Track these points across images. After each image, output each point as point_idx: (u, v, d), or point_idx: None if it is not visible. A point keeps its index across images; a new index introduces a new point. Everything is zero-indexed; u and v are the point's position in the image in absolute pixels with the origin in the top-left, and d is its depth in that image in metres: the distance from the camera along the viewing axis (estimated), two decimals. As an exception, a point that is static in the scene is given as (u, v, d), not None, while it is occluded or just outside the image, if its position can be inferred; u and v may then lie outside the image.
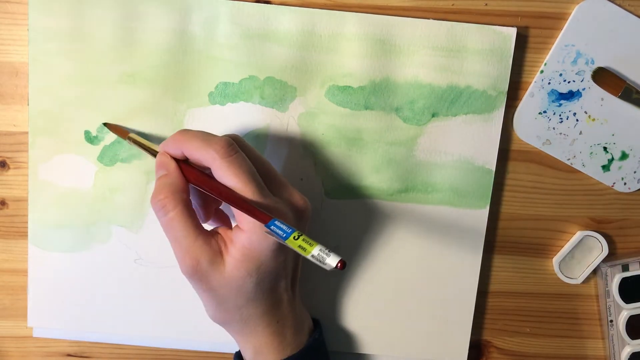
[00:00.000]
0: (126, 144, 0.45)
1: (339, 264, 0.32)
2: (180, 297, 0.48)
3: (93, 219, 0.47)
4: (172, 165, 0.39)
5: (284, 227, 0.34)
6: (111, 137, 0.45)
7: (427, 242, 0.47)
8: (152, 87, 0.45)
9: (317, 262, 0.33)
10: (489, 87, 0.45)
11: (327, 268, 0.33)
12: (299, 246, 0.34)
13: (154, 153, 0.41)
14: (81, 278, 0.47)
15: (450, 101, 0.45)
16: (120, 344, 0.49)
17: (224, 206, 0.45)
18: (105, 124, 0.45)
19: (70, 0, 0.43)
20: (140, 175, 0.46)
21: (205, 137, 0.38)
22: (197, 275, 0.38)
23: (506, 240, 0.49)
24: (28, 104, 0.45)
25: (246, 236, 0.37)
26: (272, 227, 0.35)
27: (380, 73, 0.44)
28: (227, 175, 0.37)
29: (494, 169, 0.46)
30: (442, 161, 0.46)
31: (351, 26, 0.44)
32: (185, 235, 0.37)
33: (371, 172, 0.46)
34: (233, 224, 0.43)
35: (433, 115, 0.45)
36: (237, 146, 0.38)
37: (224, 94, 0.45)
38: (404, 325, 0.49)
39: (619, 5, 0.44)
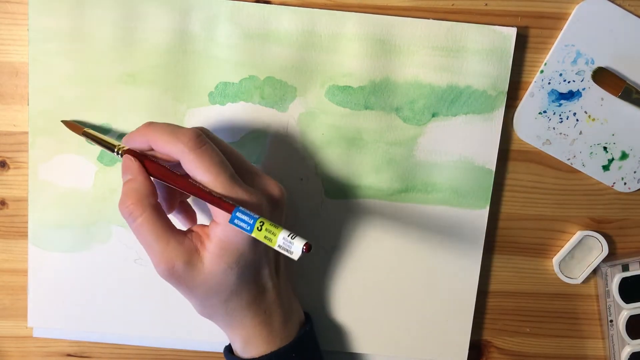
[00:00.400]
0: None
1: (305, 248, 0.32)
2: (180, 297, 0.47)
3: (93, 219, 0.47)
4: (136, 168, 0.38)
5: (246, 218, 0.34)
6: (111, 136, 0.45)
7: (427, 242, 0.47)
8: (152, 87, 0.45)
9: (285, 253, 0.32)
10: (489, 87, 0.45)
11: (295, 257, 0.32)
12: (265, 237, 0.33)
13: (112, 148, 0.40)
14: (81, 278, 0.47)
15: (450, 101, 0.45)
16: (120, 344, 0.49)
17: (191, 199, 0.45)
18: (63, 122, 0.44)
19: (70, 0, 0.43)
20: (140, 175, 0.46)
21: (173, 130, 0.37)
22: (174, 278, 0.37)
23: (506, 240, 0.49)
24: (28, 104, 0.45)
25: (221, 229, 0.37)
26: (235, 220, 0.34)
27: (380, 73, 0.44)
28: (197, 168, 0.36)
29: (494, 169, 0.46)
30: (442, 161, 0.46)
31: (351, 26, 0.44)
32: (156, 239, 0.37)
33: (371, 172, 0.46)
34: (198, 215, 0.44)
35: (433, 115, 0.45)
36: (206, 137, 0.38)
37: (224, 93, 0.45)
38: (403, 325, 0.49)
39: (619, 5, 0.44)
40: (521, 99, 0.46)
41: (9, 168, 0.47)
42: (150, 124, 0.38)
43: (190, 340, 0.49)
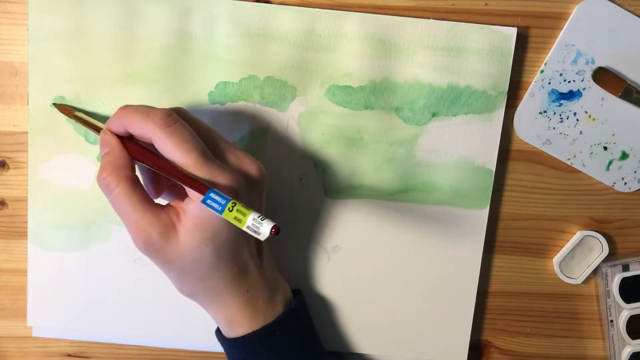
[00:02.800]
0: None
1: (273, 230, 0.32)
2: (180, 296, 0.47)
3: (92, 219, 0.46)
4: (113, 141, 0.38)
5: (219, 199, 0.34)
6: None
7: (427, 242, 0.47)
8: (152, 86, 0.45)
9: (253, 234, 0.33)
10: (489, 87, 0.45)
11: (262, 238, 0.32)
12: (235, 218, 0.33)
13: (99, 131, 0.41)
14: (81, 277, 0.47)
15: (450, 101, 0.45)
16: (120, 343, 0.49)
17: None
18: (54, 104, 0.44)
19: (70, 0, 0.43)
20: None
21: (145, 110, 0.38)
22: (151, 250, 0.37)
23: (506, 240, 0.49)
24: (28, 104, 0.45)
25: (195, 205, 0.37)
26: (208, 200, 0.34)
27: (380, 73, 0.44)
28: (167, 145, 0.36)
29: (494, 169, 0.46)
30: (442, 161, 0.46)
31: (351, 26, 0.44)
32: (132, 210, 0.37)
33: (371, 172, 0.46)
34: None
35: (433, 115, 0.45)
36: (178, 116, 0.38)
37: (224, 93, 0.45)
38: (403, 325, 0.49)
39: (619, 5, 0.44)
40: (521, 99, 0.46)
41: (9, 168, 0.47)
42: (125, 107, 0.38)
43: (190, 340, 0.49)
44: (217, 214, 0.35)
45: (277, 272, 0.44)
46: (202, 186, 0.35)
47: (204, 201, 0.34)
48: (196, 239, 0.37)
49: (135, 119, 0.37)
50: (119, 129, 0.39)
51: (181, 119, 0.38)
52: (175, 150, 0.36)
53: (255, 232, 0.33)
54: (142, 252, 0.38)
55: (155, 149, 0.38)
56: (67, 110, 0.44)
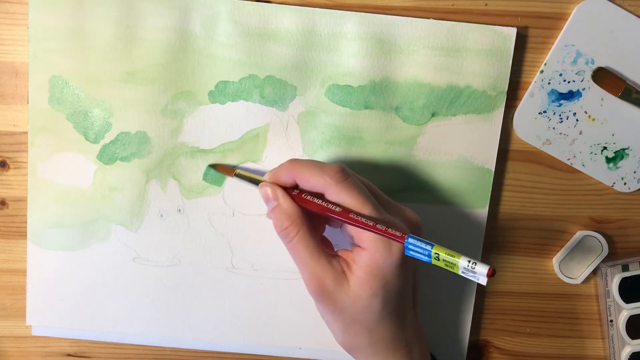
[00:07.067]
0: (129, 141, 0.45)
1: (489, 272, 0.32)
2: (179, 296, 0.48)
3: (92, 218, 0.47)
4: (280, 193, 0.40)
5: (422, 245, 0.34)
6: (111, 135, 0.45)
7: (427, 242, 0.47)
8: (152, 85, 0.45)
9: (471, 277, 0.33)
10: (488, 87, 0.45)
11: (483, 282, 0.32)
12: (446, 264, 0.34)
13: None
14: (80, 276, 0.47)
15: (449, 101, 0.45)
16: (120, 342, 0.49)
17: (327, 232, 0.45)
18: (211, 166, 0.46)
19: (71, -1, 0.44)
20: (140, 174, 0.46)
21: (318, 164, 0.39)
22: (324, 296, 0.38)
23: (506, 240, 0.49)
24: (28, 102, 0.45)
25: (368, 254, 0.37)
26: (410, 250, 0.35)
27: (380, 72, 0.45)
28: (344, 197, 0.38)
29: (493, 168, 0.46)
30: (442, 161, 0.46)
31: (351, 26, 0.44)
32: (309, 257, 0.38)
33: (371, 171, 0.46)
34: (335, 246, 0.44)
35: (433, 115, 0.45)
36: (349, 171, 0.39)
37: (224, 92, 0.45)
38: (403, 325, 0.49)
39: (619, 5, 0.44)
40: (521, 99, 0.46)
41: (9, 168, 0.47)
42: (294, 160, 0.40)
43: (190, 340, 0.49)
44: (390, 262, 0.36)
45: (422, 327, 0.44)
46: (397, 235, 0.36)
47: (407, 252, 0.35)
48: (368, 287, 0.38)
49: (309, 173, 0.39)
50: (287, 180, 0.40)
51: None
52: (352, 201, 0.38)
53: (472, 275, 0.33)
54: (315, 298, 0.39)
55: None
56: (227, 170, 0.45)
